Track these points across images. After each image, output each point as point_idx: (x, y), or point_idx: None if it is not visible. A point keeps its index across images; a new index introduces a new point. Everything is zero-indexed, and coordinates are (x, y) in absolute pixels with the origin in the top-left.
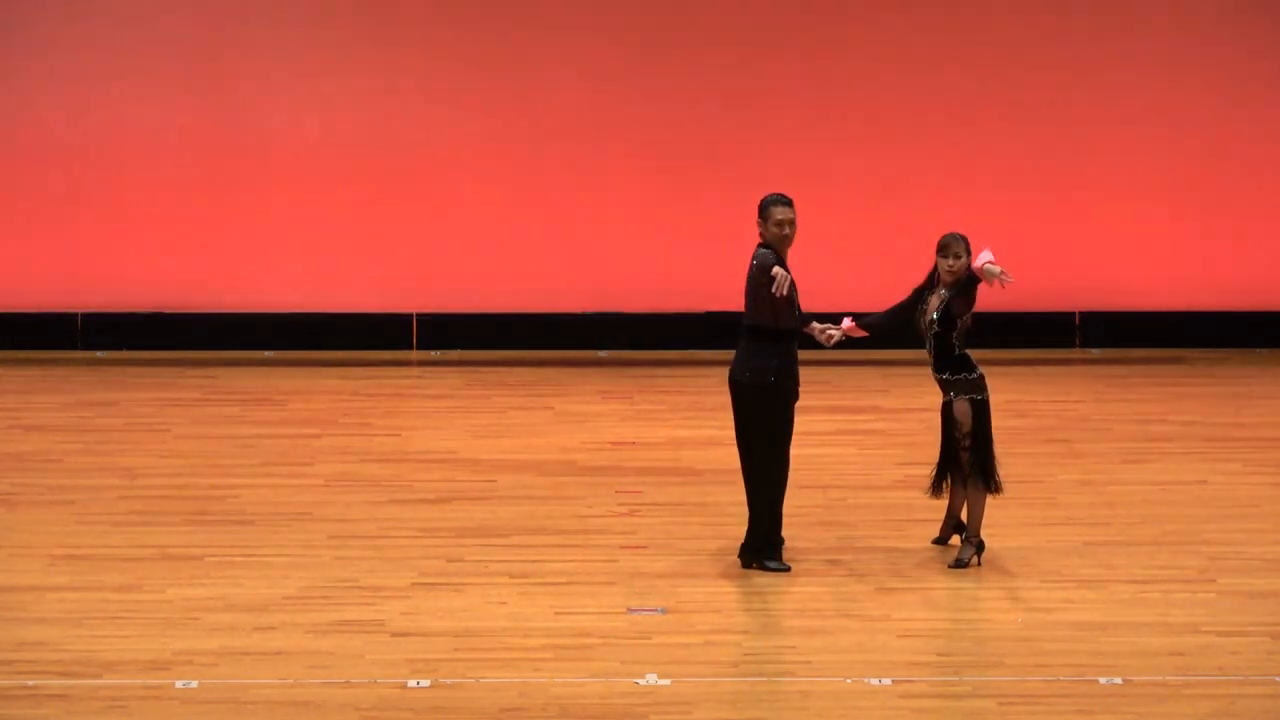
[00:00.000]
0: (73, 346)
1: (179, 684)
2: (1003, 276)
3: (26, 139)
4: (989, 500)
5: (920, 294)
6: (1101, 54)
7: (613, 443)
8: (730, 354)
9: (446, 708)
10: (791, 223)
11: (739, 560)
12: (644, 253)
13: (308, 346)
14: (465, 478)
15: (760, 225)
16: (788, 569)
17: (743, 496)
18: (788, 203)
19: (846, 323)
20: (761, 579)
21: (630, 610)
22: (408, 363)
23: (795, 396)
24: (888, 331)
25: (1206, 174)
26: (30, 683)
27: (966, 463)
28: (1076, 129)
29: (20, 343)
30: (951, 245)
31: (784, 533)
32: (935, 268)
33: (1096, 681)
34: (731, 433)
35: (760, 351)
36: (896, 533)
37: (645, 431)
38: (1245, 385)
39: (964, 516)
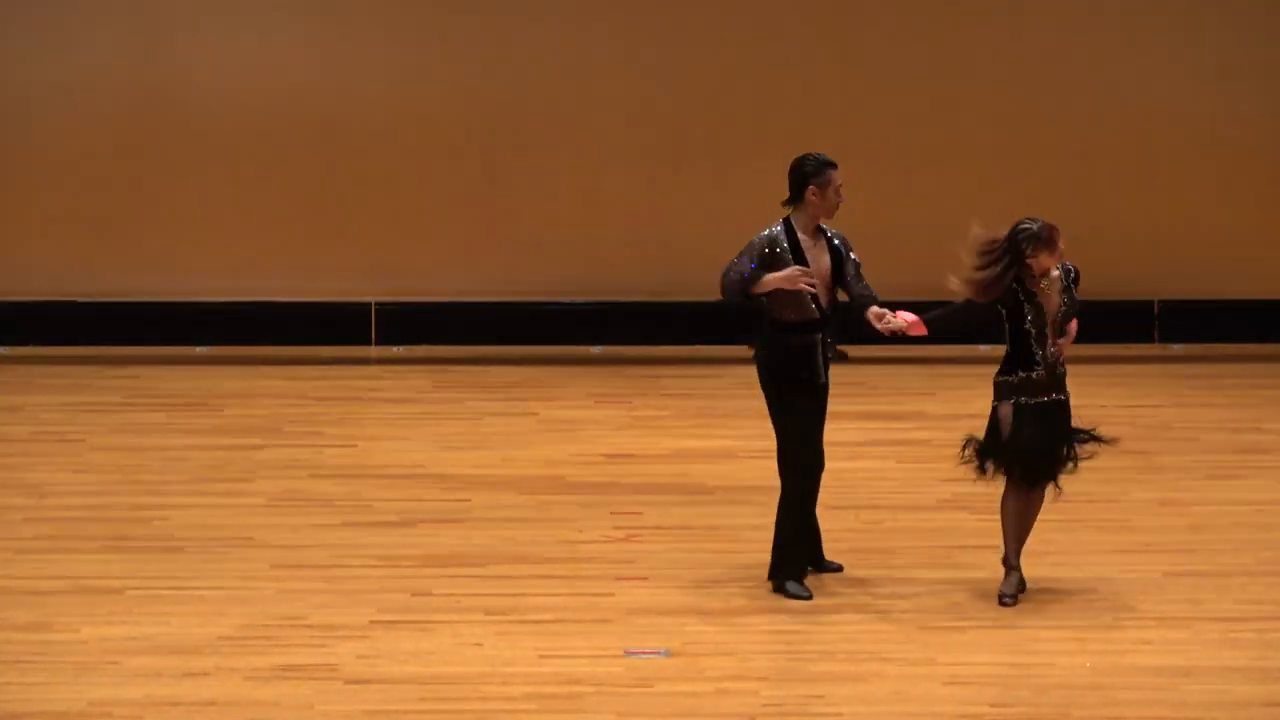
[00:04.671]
0: None
1: None
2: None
3: None
4: (1051, 521)
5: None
6: (1187, 14)
7: (607, 455)
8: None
9: None
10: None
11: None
12: (643, 232)
13: (247, 341)
14: (433, 497)
15: (814, 194)
16: (808, 597)
17: (760, 519)
18: (836, 165)
19: (909, 316)
20: (783, 615)
21: (628, 653)
22: (366, 360)
23: (806, 389)
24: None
25: None
26: None
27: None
28: (1157, 90)
29: None
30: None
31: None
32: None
33: None
34: (747, 443)
35: (774, 340)
36: (943, 561)
37: (645, 442)
38: None
39: None
